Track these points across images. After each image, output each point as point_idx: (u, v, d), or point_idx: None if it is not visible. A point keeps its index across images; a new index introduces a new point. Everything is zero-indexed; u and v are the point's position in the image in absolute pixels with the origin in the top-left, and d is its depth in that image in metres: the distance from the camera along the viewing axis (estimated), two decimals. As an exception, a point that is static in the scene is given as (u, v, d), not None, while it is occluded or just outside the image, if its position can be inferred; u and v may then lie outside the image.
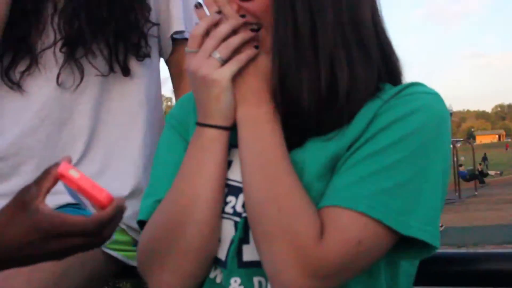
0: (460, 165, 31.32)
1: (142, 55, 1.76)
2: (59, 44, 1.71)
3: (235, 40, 1.14)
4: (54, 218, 1.01)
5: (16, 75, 1.73)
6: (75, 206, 1.46)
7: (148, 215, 1.27)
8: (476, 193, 28.94)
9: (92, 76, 1.73)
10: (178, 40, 1.87)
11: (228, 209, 1.21)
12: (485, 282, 1.53)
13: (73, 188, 1.01)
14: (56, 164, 1.03)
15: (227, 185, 1.23)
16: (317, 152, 1.16)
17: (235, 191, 1.22)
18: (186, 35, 1.83)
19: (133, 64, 1.77)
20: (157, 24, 1.82)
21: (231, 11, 1.15)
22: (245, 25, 1.15)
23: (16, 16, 1.68)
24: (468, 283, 1.56)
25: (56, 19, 1.70)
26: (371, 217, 1.05)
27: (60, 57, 1.71)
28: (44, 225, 1.01)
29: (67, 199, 1.21)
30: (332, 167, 1.14)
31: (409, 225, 1.06)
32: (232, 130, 1.20)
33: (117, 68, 1.73)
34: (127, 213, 1.52)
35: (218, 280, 1.22)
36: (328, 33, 1.13)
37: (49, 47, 1.72)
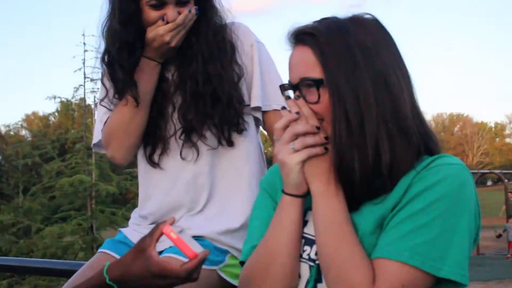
0: None
1: (241, 130, 2.03)
2: (178, 133, 2.01)
3: (309, 140, 1.33)
4: (160, 264, 1.31)
5: (155, 158, 2.07)
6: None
7: (246, 257, 1.47)
8: None
9: (205, 150, 2.02)
10: (267, 112, 2.06)
11: (305, 255, 1.38)
12: None
13: (172, 241, 1.32)
14: (164, 222, 1.33)
15: (304, 238, 1.39)
16: (368, 214, 1.33)
17: (310, 242, 1.38)
18: (273, 106, 2.04)
19: (235, 137, 2.03)
20: (248, 105, 2.05)
21: (309, 112, 1.35)
22: (317, 129, 1.33)
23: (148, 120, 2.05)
24: None
25: (175, 116, 2.02)
26: (411, 265, 1.21)
27: (180, 142, 2.02)
28: (153, 268, 1.32)
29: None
30: (380, 225, 1.31)
31: (442, 269, 1.23)
32: (305, 196, 1.38)
33: (223, 142, 2.01)
34: (239, 239, 1.90)
35: None
36: (373, 124, 1.30)
37: (172, 136, 2.03)
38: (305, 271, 1.38)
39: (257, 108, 2.04)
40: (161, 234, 1.33)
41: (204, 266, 1.80)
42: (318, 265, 1.35)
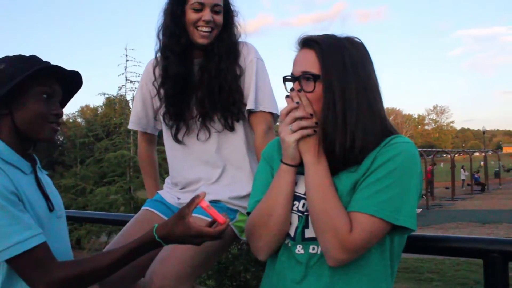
0: (509, 170, 30.46)
1: (238, 119, 1.98)
2: (196, 117, 1.97)
3: (303, 123, 1.30)
4: (197, 228, 1.33)
5: (180, 137, 2.02)
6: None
7: (251, 208, 1.45)
8: (500, 186, 28.61)
9: (213, 133, 1.97)
10: (255, 112, 1.99)
11: (295, 208, 1.37)
12: (444, 252, 1.63)
13: (208, 213, 1.36)
14: (197, 197, 1.35)
15: (294, 195, 1.38)
16: (345, 179, 1.31)
17: (299, 198, 1.37)
18: (260, 108, 1.97)
19: (235, 124, 1.98)
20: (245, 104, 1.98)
21: (307, 102, 1.31)
22: (311, 116, 1.30)
23: (177, 107, 1.98)
24: (435, 253, 1.65)
25: (196, 104, 1.96)
26: (376, 217, 1.22)
27: (198, 124, 1.97)
28: (191, 231, 1.33)
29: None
30: (354, 187, 1.30)
31: (398, 219, 1.23)
32: (298, 166, 1.35)
33: (227, 127, 1.96)
34: (245, 202, 1.80)
35: (289, 245, 1.37)
36: (352, 116, 1.28)
37: (192, 119, 1.98)
38: (294, 219, 1.37)
39: (249, 110, 1.96)
40: (196, 205, 1.34)
41: None
42: (306, 215, 1.34)
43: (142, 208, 2.05)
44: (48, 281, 1.28)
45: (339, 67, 1.29)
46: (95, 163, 11.04)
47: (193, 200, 1.34)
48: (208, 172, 1.97)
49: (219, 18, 1.92)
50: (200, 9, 1.88)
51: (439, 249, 1.59)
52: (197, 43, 1.91)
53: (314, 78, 1.30)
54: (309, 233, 1.33)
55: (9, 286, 1.33)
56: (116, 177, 9.67)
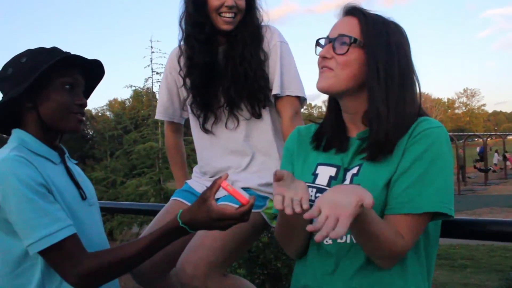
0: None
1: (265, 105, 1.97)
2: (224, 105, 1.96)
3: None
4: (219, 210, 1.29)
5: (208, 126, 2.01)
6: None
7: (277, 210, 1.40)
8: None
9: (242, 120, 1.97)
10: (281, 97, 1.97)
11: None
12: (483, 237, 1.59)
13: (229, 192, 1.28)
14: (220, 178, 1.30)
15: (316, 187, 1.33)
16: (377, 172, 1.25)
17: (321, 190, 1.31)
18: (286, 93, 1.95)
19: (262, 111, 1.97)
20: (271, 90, 1.97)
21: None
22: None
23: (205, 96, 1.98)
24: (473, 237, 1.60)
25: (223, 93, 1.95)
26: (429, 213, 1.19)
27: (226, 113, 1.97)
28: (213, 214, 1.29)
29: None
30: (389, 182, 1.23)
31: (451, 209, 1.19)
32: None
33: (254, 115, 1.96)
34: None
35: None
36: (394, 94, 1.26)
37: (220, 107, 1.97)
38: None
39: (275, 95, 1.94)
40: (219, 187, 1.30)
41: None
42: None
43: (171, 198, 2.06)
44: (78, 272, 1.31)
45: (382, 41, 1.25)
46: (125, 155, 11.20)
47: (214, 182, 1.31)
48: (237, 160, 1.96)
49: (242, 3, 1.91)
50: None
51: (493, 234, 1.51)
52: (221, 29, 1.90)
53: (350, 40, 1.25)
54: None
55: (49, 274, 1.37)
56: (146, 169, 9.78)
